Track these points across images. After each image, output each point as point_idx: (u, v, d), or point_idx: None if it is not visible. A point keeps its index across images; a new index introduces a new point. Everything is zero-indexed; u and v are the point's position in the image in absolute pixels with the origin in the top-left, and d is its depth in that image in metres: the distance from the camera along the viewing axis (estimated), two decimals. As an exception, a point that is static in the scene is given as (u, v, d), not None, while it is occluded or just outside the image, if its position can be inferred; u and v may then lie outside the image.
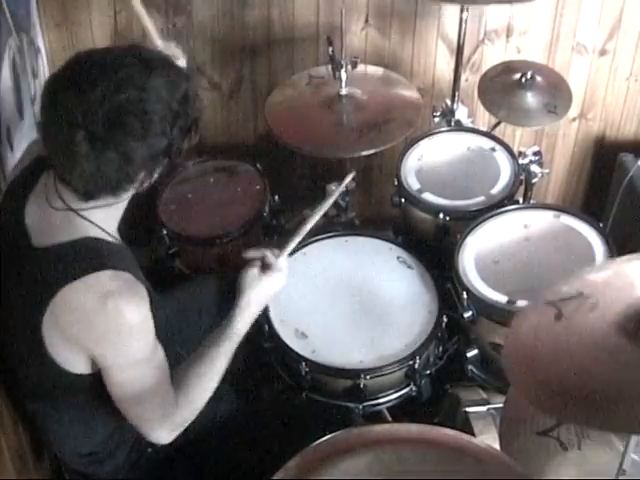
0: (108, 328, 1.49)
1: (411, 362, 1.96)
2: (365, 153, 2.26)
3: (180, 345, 1.85)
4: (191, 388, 1.66)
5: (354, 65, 2.35)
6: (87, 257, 1.50)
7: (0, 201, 1.67)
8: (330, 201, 2.02)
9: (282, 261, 1.85)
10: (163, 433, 1.64)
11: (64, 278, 1.47)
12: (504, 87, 2.46)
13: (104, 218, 1.55)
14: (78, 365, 1.57)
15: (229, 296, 1.82)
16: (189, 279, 2.24)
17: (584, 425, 1.43)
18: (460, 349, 2.11)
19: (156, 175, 1.54)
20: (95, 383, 1.59)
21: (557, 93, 2.45)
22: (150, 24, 1.94)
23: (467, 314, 2.01)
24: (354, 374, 1.93)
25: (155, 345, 1.58)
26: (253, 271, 1.81)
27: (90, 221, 1.53)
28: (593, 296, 1.46)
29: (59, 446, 1.80)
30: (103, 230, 1.55)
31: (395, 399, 2.02)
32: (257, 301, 1.80)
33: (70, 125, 1.40)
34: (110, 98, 1.38)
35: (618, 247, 2.03)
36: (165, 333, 1.67)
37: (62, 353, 1.54)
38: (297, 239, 1.93)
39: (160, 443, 1.65)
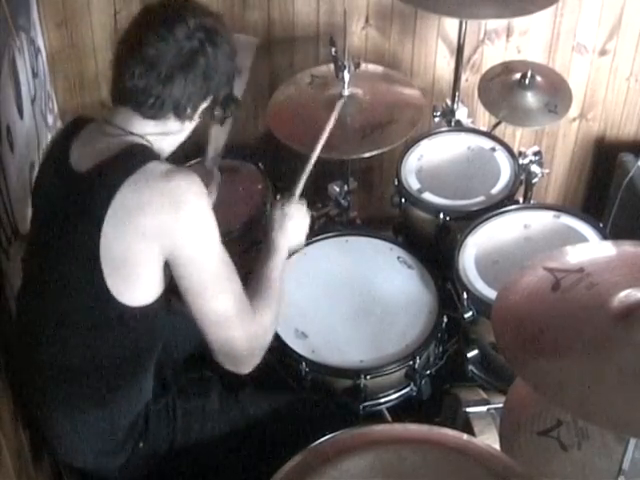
0: (178, 204, 1.51)
1: (411, 362, 1.96)
2: (368, 154, 2.26)
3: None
4: (258, 308, 1.72)
5: (357, 66, 2.35)
6: (138, 154, 1.56)
7: (42, 160, 1.70)
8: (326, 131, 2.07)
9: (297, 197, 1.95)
10: (245, 345, 1.67)
11: (119, 177, 1.51)
12: (504, 87, 2.46)
13: (154, 141, 1.61)
14: (137, 284, 1.56)
15: None
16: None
17: (552, 402, 1.44)
18: (460, 349, 2.10)
19: (198, 117, 1.65)
20: (140, 328, 1.61)
21: (557, 93, 2.45)
22: None
23: (467, 314, 2.01)
24: (354, 374, 1.93)
25: (220, 241, 1.60)
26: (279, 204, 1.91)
27: (141, 136, 1.59)
28: (593, 275, 1.47)
29: (72, 443, 1.75)
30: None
31: (395, 399, 2.02)
32: (289, 225, 1.87)
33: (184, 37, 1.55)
34: (202, 21, 1.57)
35: (618, 247, 2.03)
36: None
37: (121, 274, 1.54)
38: (305, 175, 1.99)
39: (245, 364, 1.69)
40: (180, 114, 1.60)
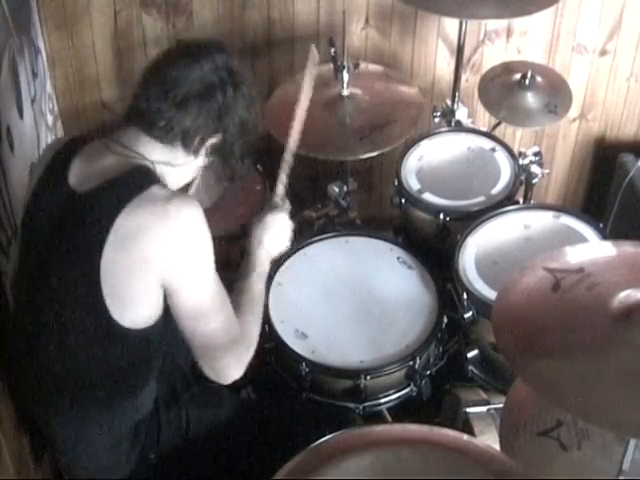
0: (174, 233, 1.52)
1: (411, 362, 1.96)
2: (367, 155, 2.26)
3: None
4: (242, 324, 1.72)
5: (356, 66, 2.34)
6: (139, 177, 1.56)
7: (39, 176, 1.67)
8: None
9: (279, 194, 1.93)
10: (232, 362, 1.68)
11: (120, 202, 1.51)
12: (504, 87, 2.46)
13: (159, 171, 1.61)
14: (137, 309, 1.57)
15: None
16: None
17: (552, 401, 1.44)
18: (460, 349, 2.11)
19: (204, 153, 1.65)
20: (141, 346, 1.62)
21: (557, 93, 2.45)
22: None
23: (467, 314, 2.01)
24: (354, 374, 1.93)
25: (214, 268, 1.61)
26: (258, 217, 1.89)
27: (145, 158, 1.59)
28: (594, 276, 1.47)
29: (74, 454, 1.75)
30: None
31: (395, 399, 2.02)
32: (266, 239, 1.85)
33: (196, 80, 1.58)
34: (230, 62, 1.62)
35: (618, 247, 2.03)
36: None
37: (120, 299, 1.54)
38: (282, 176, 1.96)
39: (233, 377, 1.69)
40: (187, 144, 1.61)
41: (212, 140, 1.64)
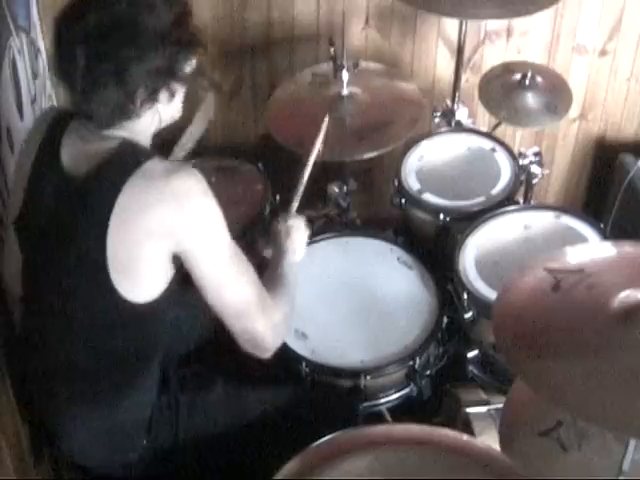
0: (181, 202, 1.50)
1: (411, 362, 1.96)
2: (367, 156, 2.25)
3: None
4: (275, 296, 1.73)
5: (355, 65, 2.34)
6: (133, 153, 1.54)
7: (33, 160, 1.66)
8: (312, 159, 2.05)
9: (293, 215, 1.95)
10: (268, 332, 1.68)
11: (118, 181, 1.50)
12: (504, 88, 2.46)
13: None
14: (143, 282, 1.56)
15: None
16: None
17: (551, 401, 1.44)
18: (460, 349, 2.10)
19: (160, 96, 1.55)
20: (151, 318, 1.61)
21: (557, 94, 2.45)
22: None
23: (467, 315, 2.01)
24: (354, 374, 1.93)
25: (229, 235, 1.60)
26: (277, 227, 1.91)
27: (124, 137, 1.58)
28: (594, 276, 1.47)
29: (81, 442, 1.73)
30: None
31: (395, 399, 2.02)
32: (289, 246, 1.87)
33: (73, 49, 1.47)
34: (100, 14, 1.46)
35: (618, 247, 2.03)
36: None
37: (127, 274, 1.54)
38: (299, 192, 1.99)
39: (269, 349, 1.71)
40: (126, 114, 1.54)
41: (164, 89, 1.56)
